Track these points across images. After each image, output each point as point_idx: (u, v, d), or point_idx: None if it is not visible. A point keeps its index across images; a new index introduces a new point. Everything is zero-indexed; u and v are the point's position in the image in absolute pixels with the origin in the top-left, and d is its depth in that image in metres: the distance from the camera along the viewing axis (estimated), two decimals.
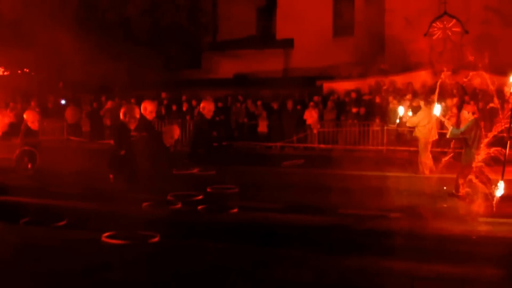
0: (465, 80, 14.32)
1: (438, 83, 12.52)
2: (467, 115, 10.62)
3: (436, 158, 13.03)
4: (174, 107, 21.47)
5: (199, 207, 9.31)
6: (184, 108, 21.44)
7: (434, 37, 23.03)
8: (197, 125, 14.34)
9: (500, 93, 13.60)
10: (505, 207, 9.06)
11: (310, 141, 19.59)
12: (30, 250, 6.90)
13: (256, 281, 5.89)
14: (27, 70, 26.40)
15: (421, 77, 21.35)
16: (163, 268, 6.24)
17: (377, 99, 20.03)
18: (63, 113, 21.68)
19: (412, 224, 8.31)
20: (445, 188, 10.82)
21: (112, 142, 11.86)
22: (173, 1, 26.84)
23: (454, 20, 22.70)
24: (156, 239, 7.18)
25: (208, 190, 10.71)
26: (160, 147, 11.79)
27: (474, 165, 10.02)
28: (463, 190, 10.25)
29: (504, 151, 9.46)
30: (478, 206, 9.26)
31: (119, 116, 11.17)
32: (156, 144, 11.66)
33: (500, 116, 10.25)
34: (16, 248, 6.96)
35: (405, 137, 17.48)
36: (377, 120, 18.68)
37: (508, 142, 9.24)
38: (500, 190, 9.04)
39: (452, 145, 12.73)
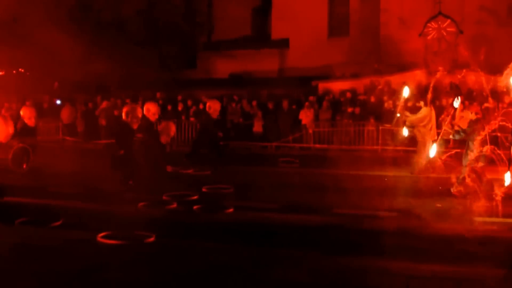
0: (459, 77, 14.38)
1: (432, 83, 12.55)
2: (470, 116, 10.63)
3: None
4: (169, 107, 21.46)
5: (195, 207, 9.32)
6: (180, 108, 21.43)
7: (429, 37, 23.12)
8: (202, 125, 14.33)
9: (495, 93, 13.67)
10: (501, 207, 9.09)
11: (305, 141, 19.61)
12: (26, 251, 6.88)
13: (251, 281, 5.90)
14: (22, 70, 26.33)
15: (416, 77, 21.39)
16: (159, 268, 6.25)
17: (372, 99, 20.07)
18: (59, 113, 21.64)
19: (407, 224, 8.33)
20: (440, 188, 10.85)
21: (107, 142, 11.85)
22: (169, 1, 26.85)
23: (448, 20, 22.79)
24: (151, 239, 7.18)
25: (204, 190, 10.72)
26: (160, 148, 11.78)
27: (476, 165, 10.05)
28: (466, 190, 10.23)
29: (497, 149, 9.52)
30: (474, 205, 9.29)
31: (120, 116, 11.16)
32: (156, 146, 11.64)
33: (495, 114, 10.30)
34: (11, 248, 6.95)
35: (400, 136, 17.52)
36: (372, 120, 18.72)
37: None
38: (507, 180, 8.98)
39: (450, 145, 12.76)
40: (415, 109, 14.72)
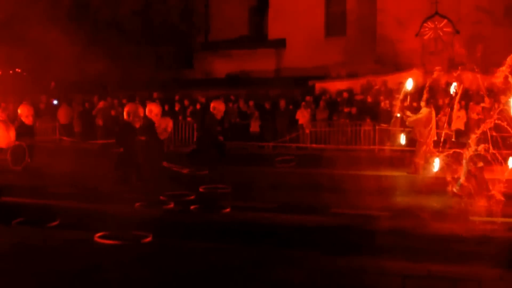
0: (455, 75, 14.40)
1: (428, 83, 12.58)
2: (473, 115, 10.66)
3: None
4: (166, 107, 21.44)
5: (192, 207, 9.32)
6: (177, 108, 21.43)
7: (426, 37, 23.18)
8: (206, 125, 14.32)
9: (491, 92, 13.67)
10: (498, 207, 9.12)
11: (302, 141, 19.63)
12: (23, 251, 6.88)
13: (247, 281, 5.91)
14: (19, 70, 26.31)
15: (412, 77, 21.40)
16: (156, 268, 6.25)
17: (369, 99, 20.10)
18: (56, 113, 21.63)
19: (404, 224, 8.35)
20: (437, 187, 10.86)
21: (104, 142, 11.85)
22: (166, 1, 26.85)
23: (445, 20, 22.85)
24: (149, 239, 7.19)
25: (201, 190, 10.72)
26: (160, 148, 11.78)
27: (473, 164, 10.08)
28: (463, 190, 10.25)
29: (492, 148, 9.56)
30: (471, 205, 9.32)
31: (120, 115, 11.18)
32: (157, 147, 11.65)
33: (491, 113, 10.32)
34: (9, 248, 6.95)
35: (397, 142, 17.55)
36: (369, 120, 18.74)
37: None
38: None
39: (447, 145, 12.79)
40: (411, 109, 14.74)
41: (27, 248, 6.99)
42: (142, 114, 11.11)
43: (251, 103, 21.06)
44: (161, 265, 6.33)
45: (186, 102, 21.56)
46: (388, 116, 17.98)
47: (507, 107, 9.75)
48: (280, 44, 27.65)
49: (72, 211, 9.08)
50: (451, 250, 6.98)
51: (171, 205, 9.46)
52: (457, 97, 13.27)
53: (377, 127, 18.28)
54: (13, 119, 13.77)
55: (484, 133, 10.09)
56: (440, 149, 12.33)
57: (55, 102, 22.86)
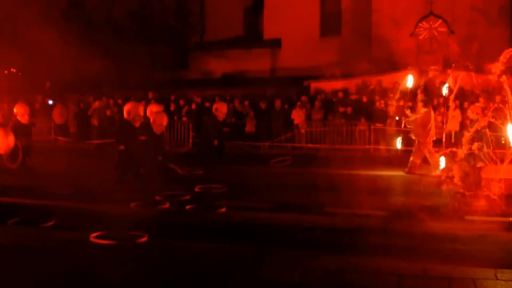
0: (449, 73, 14.46)
1: (423, 83, 12.60)
2: (472, 115, 10.67)
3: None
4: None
5: (187, 207, 9.33)
6: (172, 108, 21.41)
7: (421, 37, 23.23)
8: (208, 126, 14.31)
9: (485, 92, 13.74)
10: (493, 206, 9.15)
11: (297, 141, 19.63)
12: (18, 251, 6.87)
13: (244, 280, 5.92)
14: (14, 70, 26.24)
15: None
16: (152, 268, 6.25)
17: (364, 99, 20.12)
18: (51, 113, 21.59)
19: (399, 223, 8.38)
20: (433, 187, 10.90)
21: (99, 142, 11.85)
22: (161, 1, 26.82)
23: (440, 20, 22.90)
24: (144, 239, 7.19)
25: (196, 189, 10.73)
26: (159, 148, 11.78)
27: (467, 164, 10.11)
28: (459, 189, 10.26)
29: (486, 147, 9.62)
30: (466, 204, 9.35)
31: (119, 114, 11.18)
32: (156, 147, 11.64)
33: (486, 112, 10.36)
34: (4, 248, 6.93)
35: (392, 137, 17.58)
36: (364, 120, 18.76)
37: None
38: None
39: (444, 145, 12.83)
40: (408, 109, 14.77)
41: (22, 248, 6.98)
42: (142, 113, 11.10)
43: (246, 103, 21.05)
44: (157, 265, 6.33)
45: (181, 102, 21.54)
46: (383, 116, 18.04)
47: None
48: (276, 44, 27.67)
49: (67, 211, 9.07)
50: (447, 249, 7.00)
51: (167, 205, 9.46)
52: (452, 97, 13.32)
53: (372, 127, 18.30)
54: (8, 119, 13.74)
55: (477, 131, 10.12)
56: (443, 148, 12.38)
57: (50, 102, 22.80)
